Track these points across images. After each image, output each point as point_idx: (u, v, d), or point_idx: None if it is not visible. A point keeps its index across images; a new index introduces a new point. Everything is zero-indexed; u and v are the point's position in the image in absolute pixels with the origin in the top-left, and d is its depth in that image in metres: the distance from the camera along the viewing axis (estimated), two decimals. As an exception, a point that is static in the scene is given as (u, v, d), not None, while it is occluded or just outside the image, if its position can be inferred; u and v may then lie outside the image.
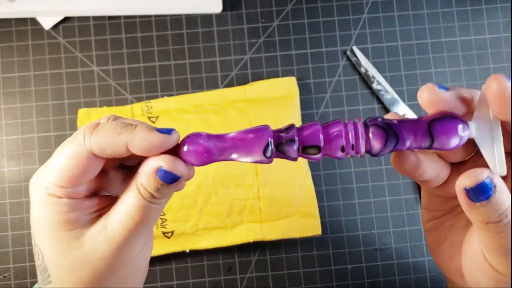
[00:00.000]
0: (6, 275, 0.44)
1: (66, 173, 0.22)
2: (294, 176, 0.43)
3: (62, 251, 0.23)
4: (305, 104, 0.46)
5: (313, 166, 0.45)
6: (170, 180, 0.22)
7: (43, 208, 0.22)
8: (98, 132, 0.22)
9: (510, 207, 0.20)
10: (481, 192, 0.20)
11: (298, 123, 0.44)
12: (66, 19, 0.46)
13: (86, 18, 0.46)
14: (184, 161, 0.22)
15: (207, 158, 0.22)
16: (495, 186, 0.20)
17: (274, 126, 0.23)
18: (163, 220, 0.43)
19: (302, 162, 0.43)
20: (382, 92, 0.46)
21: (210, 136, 0.22)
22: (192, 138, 0.22)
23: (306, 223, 0.43)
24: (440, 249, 0.26)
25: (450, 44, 0.47)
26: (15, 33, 0.46)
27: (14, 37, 0.46)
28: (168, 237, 0.43)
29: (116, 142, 0.21)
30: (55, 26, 0.46)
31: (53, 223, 0.22)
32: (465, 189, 0.20)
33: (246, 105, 0.44)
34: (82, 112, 0.44)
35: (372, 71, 0.46)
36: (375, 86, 0.46)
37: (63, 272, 0.23)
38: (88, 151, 0.22)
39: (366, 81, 0.46)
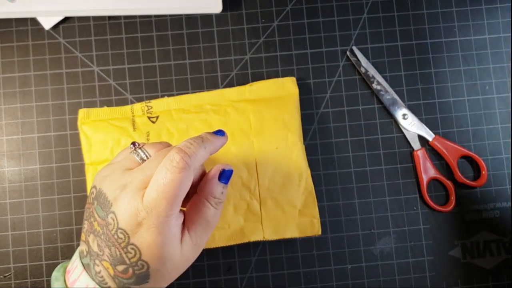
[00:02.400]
0: (6, 275, 0.44)
1: (181, 196, 0.27)
2: (294, 176, 0.43)
3: (177, 261, 0.28)
4: (305, 104, 0.46)
5: (313, 166, 0.45)
6: (225, 178, 0.31)
7: (169, 230, 0.27)
8: (196, 152, 0.28)
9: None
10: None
11: (298, 123, 0.44)
12: (66, 19, 0.46)
13: (87, 18, 0.46)
14: None
15: None
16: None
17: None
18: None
19: (302, 162, 0.43)
20: (382, 92, 0.46)
21: None
22: None
23: (306, 223, 0.43)
24: None
25: (450, 44, 0.47)
26: (15, 33, 0.46)
27: (14, 37, 0.46)
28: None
29: (206, 155, 0.29)
30: (55, 26, 0.46)
31: (173, 237, 0.28)
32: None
33: (246, 105, 0.44)
34: (82, 112, 0.44)
35: (372, 71, 0.46)
36: (375, 86, 0.46)
37: (167, 273, 0.28)
38: (191, 170, 0.27)
39: (366, 81, 0.46)
